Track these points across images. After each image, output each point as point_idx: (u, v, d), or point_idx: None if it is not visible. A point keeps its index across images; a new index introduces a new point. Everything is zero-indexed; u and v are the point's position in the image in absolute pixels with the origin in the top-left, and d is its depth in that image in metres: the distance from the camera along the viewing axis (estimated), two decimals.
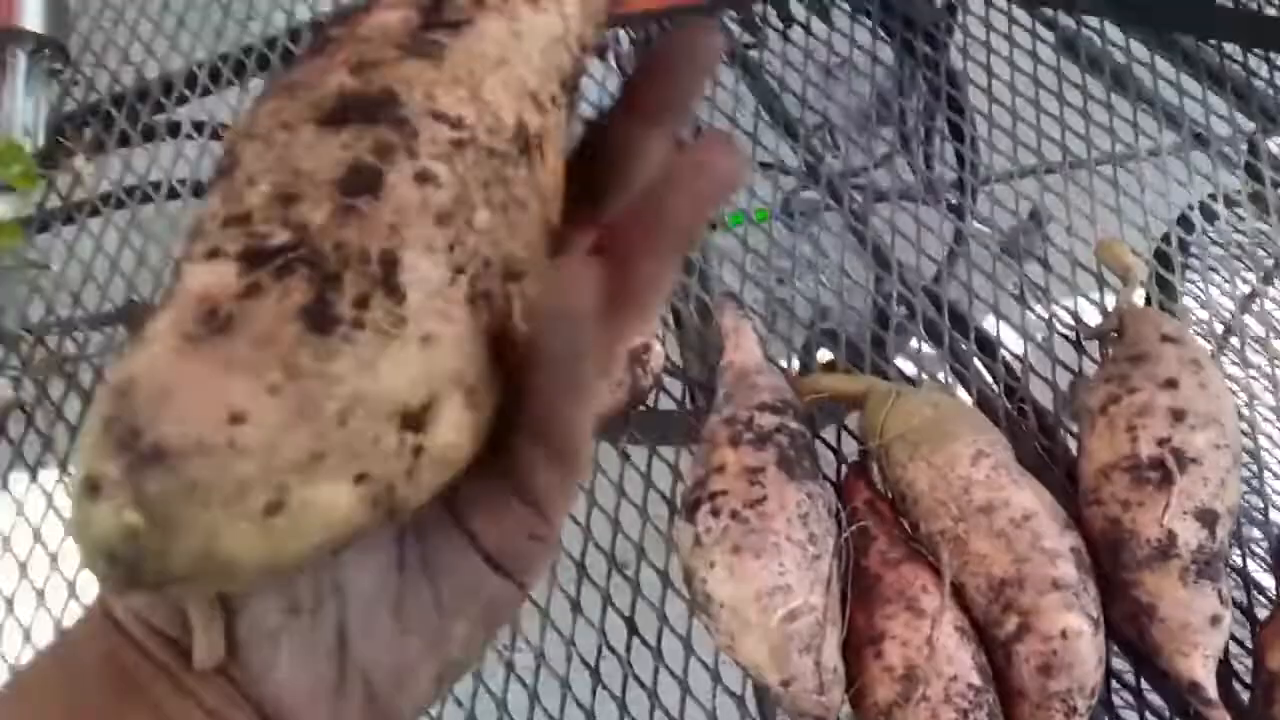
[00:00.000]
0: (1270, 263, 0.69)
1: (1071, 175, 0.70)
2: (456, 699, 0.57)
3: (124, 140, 0.77)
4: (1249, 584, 0.54)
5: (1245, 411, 0.60)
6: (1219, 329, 0.66)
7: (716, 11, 0.74)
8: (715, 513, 0.51)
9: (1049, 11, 0.77)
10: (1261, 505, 0.58)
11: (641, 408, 0.63)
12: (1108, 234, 0.66)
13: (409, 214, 0.22)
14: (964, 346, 0.64)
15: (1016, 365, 0.63)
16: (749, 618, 0.49)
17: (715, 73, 0.25)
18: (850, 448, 0.61)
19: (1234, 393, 0.58)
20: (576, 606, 0.58)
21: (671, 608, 0.57)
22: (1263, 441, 0.61)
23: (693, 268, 0.69)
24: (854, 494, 0.56)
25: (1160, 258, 0.67)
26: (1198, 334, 0.62)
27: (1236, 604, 0.53)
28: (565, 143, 0.27)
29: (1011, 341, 0.64)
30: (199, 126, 0.77)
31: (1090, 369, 0.62)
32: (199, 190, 0.74)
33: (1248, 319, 0.66)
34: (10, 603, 0.62)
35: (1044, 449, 0.59)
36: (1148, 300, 0.64)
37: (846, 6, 0.78)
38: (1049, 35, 0.76)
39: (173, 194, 0.74)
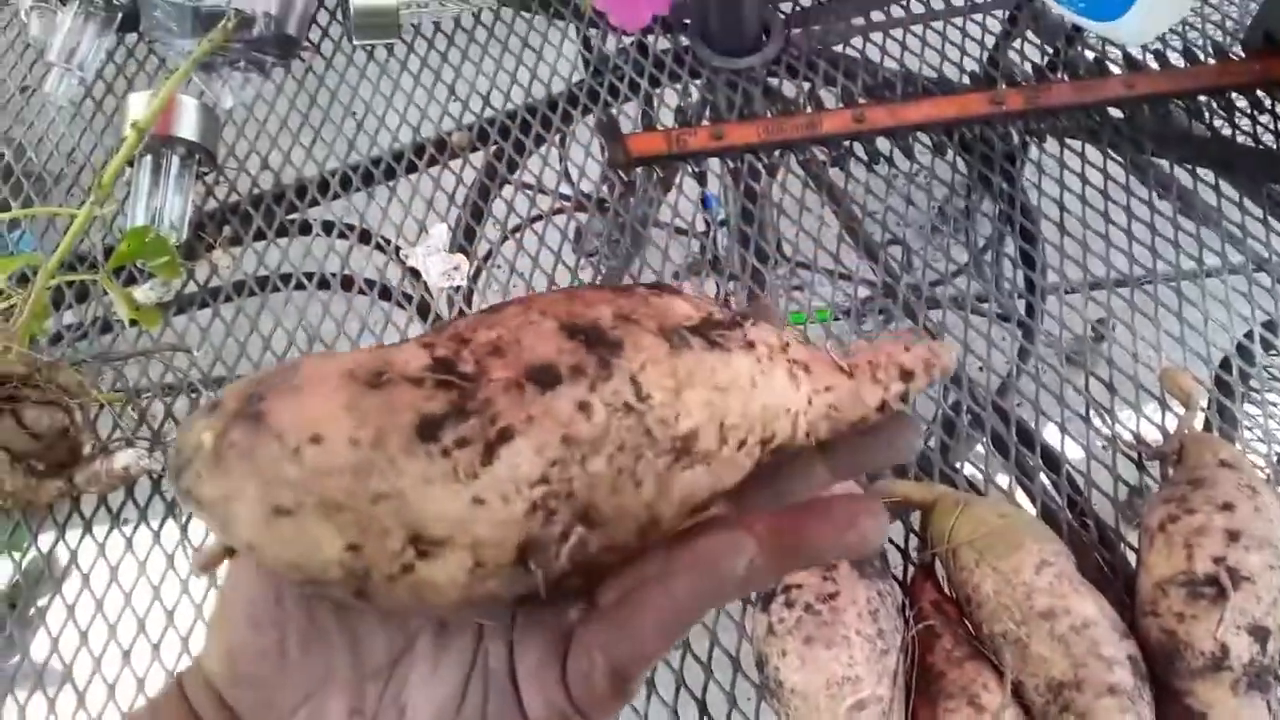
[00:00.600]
0: None
1: (1135, 301, 0.74)
2: None
3: (259, 236, 0.84)
4: None
5: None
6: (1276, 452, 0.68)
7: (808, 146, 0.80)
8: (790, 604, 0.55)
9: (1119, 151, 0.82)
10: None
11: None
12: (1170, 358, 0.70)
13: (547, 419, 0.26)
14: (1029, 460, 0.67)
15: (1079, 479, 0.66)
16: (818, 704, 0.52)
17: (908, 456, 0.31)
18: (916, 550, 0.64)
19: None
20: (652, 685, 0.61)
21: (740, 690, 0.60)
22: None
23: None
24: (921, 594, 0.59)
25: (1220, 385, 0.70)
26: (1254, 456, 0.65)
27: None
28: (723, 489, 0.29)
29: (1075, 455, 0.68)
30: (327, 226, 0.84)
31: (1151, 486, 0.65)
32: (323, 284, 0.81)
33: None
34: (128, 655, 0.67)
35: (1104, 561, 0.61)
36: (1207, 424, 0.67)
37: (928, 141, 0.83)
38: (1118, 171, 0.81)
39: (299, 285, 0.81)
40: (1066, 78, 0.82)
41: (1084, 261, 0.76)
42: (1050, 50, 0.91)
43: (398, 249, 0.82)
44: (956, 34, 0.92)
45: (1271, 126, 0.83)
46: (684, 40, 0.92)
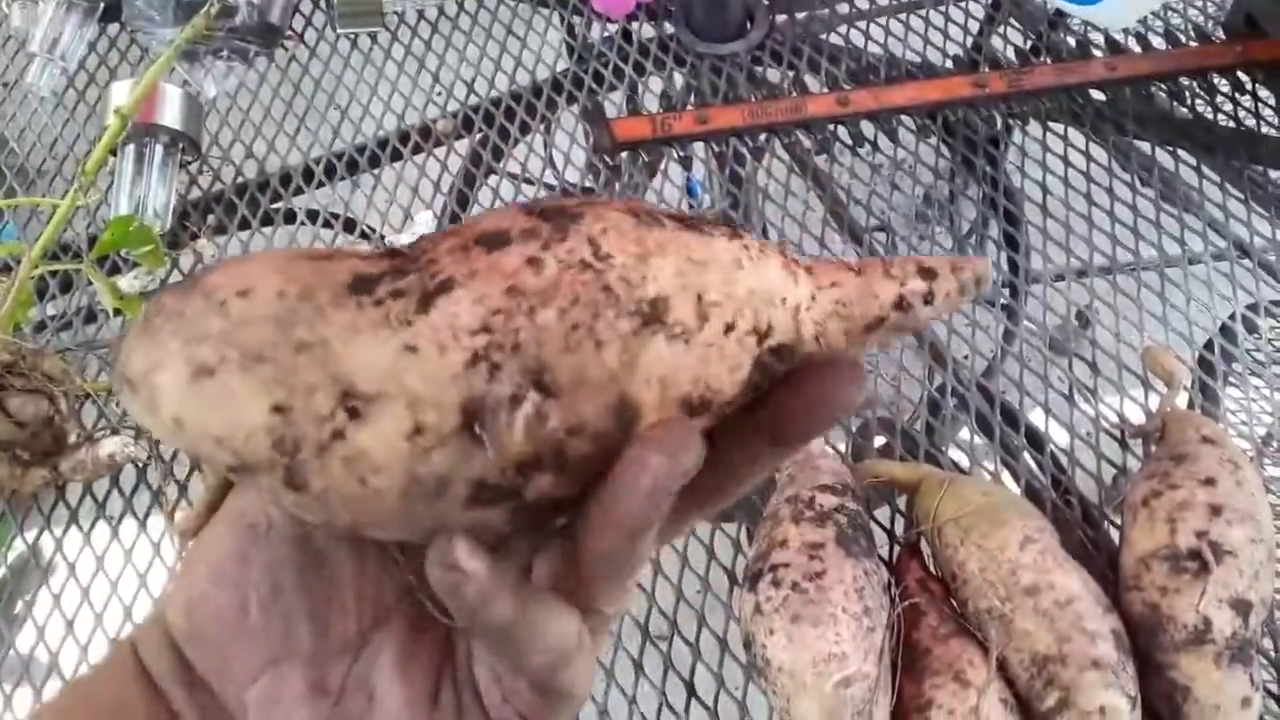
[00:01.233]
0: None
1: (1118, 283, 0.74)
2: None
3: (243, 225, 0.84)
4: None
5: None
6: (1259, 433, 0.69)
7: (793, 130, 0.81)
8: (776, 583, 0.55)
9: (1102, 134, 0.83)
10: None
11: None
12: (1154, 340, 0.70)
13: (493, 273, 0.23)
14: (1014, 440, 0.67)
15: (1063, 459, 0.67)
16: (805, 682, 0.52)
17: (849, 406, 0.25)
18: (901, 530, 0.64)
19: (1271, 494, 0.62)
20: (639, 667, 0.61)
21: (728, 671, 0.60)
22: None
23: None
24: (907, 573, 0.60)
25: (1203, 365, 0.71)
26: (1238, 437, 0.66)
27: (1268, 690, 0.55)
28: (721, 394, 0.25)
29: (1059, 436, 0.68)
30: (312, 215, 0.84)
31: (1134, 465, 0.65)
32: None
33: None
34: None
35: (1088, 538, 0.62)
36: (1190, 404, 0.68)
37: (911, 125, 0.84)
38: (1100, 153, 0.81)
39: None
40: (1049, 61, 0.83)
41: (1067, 245, 0.77)
42: (1033, 35, 0.91)
43: (383, 237, 0.82)
44: (940, 19, 0.92)
45: (1252, 108, 0.83)
46: (668, 27, 0.92)
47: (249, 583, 0.26)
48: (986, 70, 0.82)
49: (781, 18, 0.92)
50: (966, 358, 0.73)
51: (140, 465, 0.73)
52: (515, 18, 0.95)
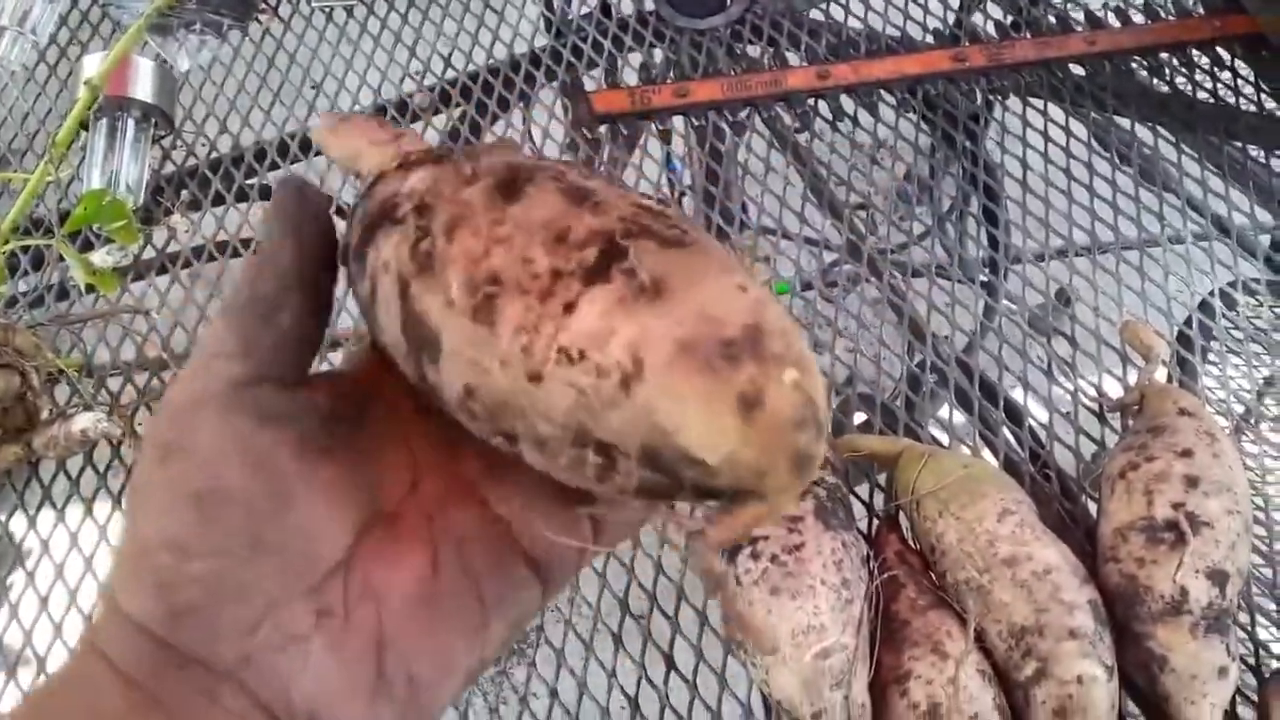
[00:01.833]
0: None
1: (1098, 260, 0.74)
2: None
3: (217, 200, 0.83)
4: (1256, 641, 0.57)
5: (1259, 485, 0.63)
6: (1237, 409, 0.69)
7: (773, 104, 0.80)
8: (755, 556, 0.55)
9: (1082, 109, 0.83)
10: (1271, 573, 0.60)
11: None
12: (1133, 315, 0.70)
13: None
14: (993, 415, 0.68)
15: (1042, 434, 0.67)
16: (784, 654, 0.52)
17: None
18: (880, 504, 0.64)
19: (1249, 468, 0.62)
20: (619, 641, 0.61)
21: (708, 645, 0.60)
22: (1276, 515, 0.64)
23: None
24: (885, 545, 0.60)
25: (1182, 340, 0.71)
26: (1216, 413, 0.66)
27: (1245, 662, 0.56)
28: None
29: (1038, 412, 0.68)
30: None
31: (1112, 440, 0.65)
32: None
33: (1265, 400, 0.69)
34: (90, 621, 0.66)
35: (1066, 511, 0.62)
36: (1169, 380, 0.68)
37: (892, 100, 0.83)
38: (1080, 130, 0.81)
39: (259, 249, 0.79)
40: (1029, 35, 0.83)
41: (1046, 222, 0.77)
42: (1013, 10, 0.91)
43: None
44: None
45: (1231, 83, 0.83)
46: (648, 2, 0.91)
47: (217, 545, 0.26)
48: (966, 44, 0.82)
49: None
50: (947, 336, 0.73)
51: (114, 442, 0.72)
52: None
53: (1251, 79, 0.83)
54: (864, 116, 0.82)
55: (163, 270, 0.80)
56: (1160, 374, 0.65)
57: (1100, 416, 0.67)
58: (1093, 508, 0.61)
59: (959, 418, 0.69)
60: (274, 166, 0.84)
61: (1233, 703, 0.54)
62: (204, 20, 0.87)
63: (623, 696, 0.59)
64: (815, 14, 0.90)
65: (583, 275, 0.24)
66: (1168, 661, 0.51)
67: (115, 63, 0.74)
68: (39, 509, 0.69)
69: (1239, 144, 0.80)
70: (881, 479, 0.65)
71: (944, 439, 0.69)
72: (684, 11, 0.89)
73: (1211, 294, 0.74)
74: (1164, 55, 0.83)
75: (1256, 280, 0.74)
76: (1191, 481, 0.55)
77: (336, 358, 0.72)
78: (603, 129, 0.80)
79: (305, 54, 0.90)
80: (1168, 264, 0.74)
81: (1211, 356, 0.72)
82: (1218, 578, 0.52)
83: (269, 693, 0.26)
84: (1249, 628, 0.58)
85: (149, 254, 0.81)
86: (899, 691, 0.52)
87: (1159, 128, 0.81)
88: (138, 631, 0.26)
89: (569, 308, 0.23)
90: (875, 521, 0.63)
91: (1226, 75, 0.83)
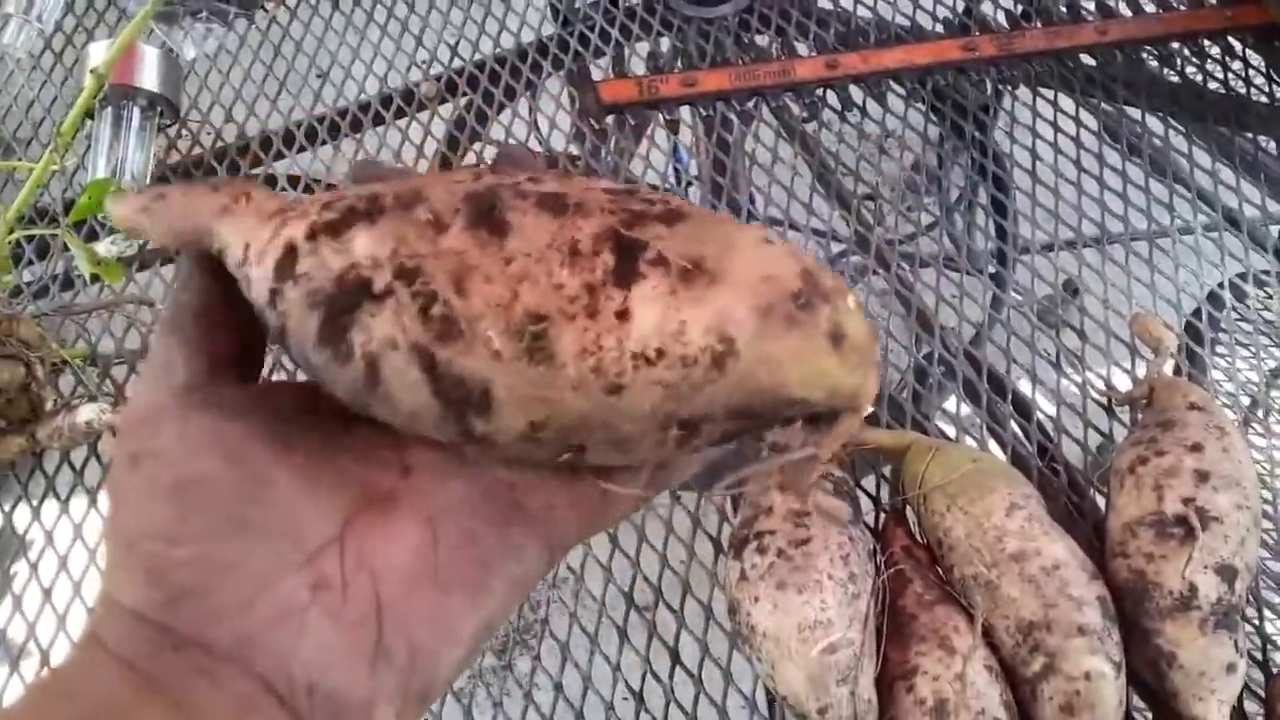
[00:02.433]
0: None
1: (1108, 251, 0.74)
2: (507, 716, 0.60)
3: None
4: (1264, 637, 0.57)
5: (1268, 479, 0.63)
6: (1245, 401, 0.69)
7: (781, 94, 0.80)
8: (762, 550, 0.54)
9: (1092, 100, 0.82)
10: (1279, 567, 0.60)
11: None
12: (1142, 307, 0.70)
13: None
14: (1000, 407, 0.67)
15: (1050, 427, 0.66)
16: (790, 648, 0.52)
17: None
18: (887, 498, 0.64)
19: (1257, 461, 0.61)
20: (624, 635, 0.61)
21: (713, 640, 0.60)
22: None
23: None
24: (892, 540, 0.59)
25: (1191, 332, 0.71)
26: (1225, 406, 0.65)
27: (1252, 657, 0.55)
28: None
29: (1046, 405, 0.68)
30: (293, 180, 0.83)
31: (1120, 433, 0.65)
32: None
33: (1273, 392, 0.69)
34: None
35: (1074, 505, 0.62)
36: (1177, 372, 0.67)
37: (901, 90, 0.83)
38: (1090, 120, 0.81)
39: None
40: (1039, 24, 0.82)
41: (1056, 213, 0.76)
42: (1024, 0, 0.90)
43: None
44: None
45: (1242, 73, 0.82)
46: None
47: (200, 529, 0.26)
48: (976, 34, 0.81)
49: None
50: (954, 328, 0.73)
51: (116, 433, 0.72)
52: None
53: (1263, 69, 0.83)
54: (873, 107, 0.82)
55: (168, 260, 0.80)
56: (1169, 367, 0.65)
57: (1109, 410, 0.66)
58: (1101, 502, 0.61)
59: (966, 410, 0.69)
60: (280, 156, 0.84)
61: (1240, 698, 0.54)
62: (210, 8, 0.87)
63: (627, 690, 0.59)
64: (824, 3, 0.90)
65: (614, 280, 0.24)
66: (1176, 658, 0.51)
67: (121, 51, 0.74)
68: (43, 500, 0.69)
69: (1250, 135, 0.80)
70: (888, 472, 0.65)
71: (951, 432, 0.68)
72: (692, 0, 0.88)
73: (1221, 286, 0.73)
74: (1175, 45, 0.82)
75: (1266, 272, 0.74)
76: (1201, 476, 0.54)
77: None
78: (609, 119, 0.80)
79: (312, 43, 0.90)
80: (1177, 256, 0.73)
81: (1220, 349, 0.72)
82: (1227, 573, 0.52)
83: (269, 668, 0.26)
84: (1257, 623, 0.58)
85: (153, 245, 0.80)
86: (905, 687, 0.52)
87: (1170, 118, 0.80)
88: (134, 618, 0.26)
89: (623, 315, 0.24)
90: (882, 516, 0.63)
91: (1238, 66, 0.83)
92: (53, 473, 0.70)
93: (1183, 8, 0.82)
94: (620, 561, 0.64)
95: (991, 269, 0.77)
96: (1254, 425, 0.67)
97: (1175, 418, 0.58)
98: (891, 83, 0.81)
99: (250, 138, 0.84)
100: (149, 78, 0.81)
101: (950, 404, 0.71)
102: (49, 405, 0.68)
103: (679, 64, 0.88)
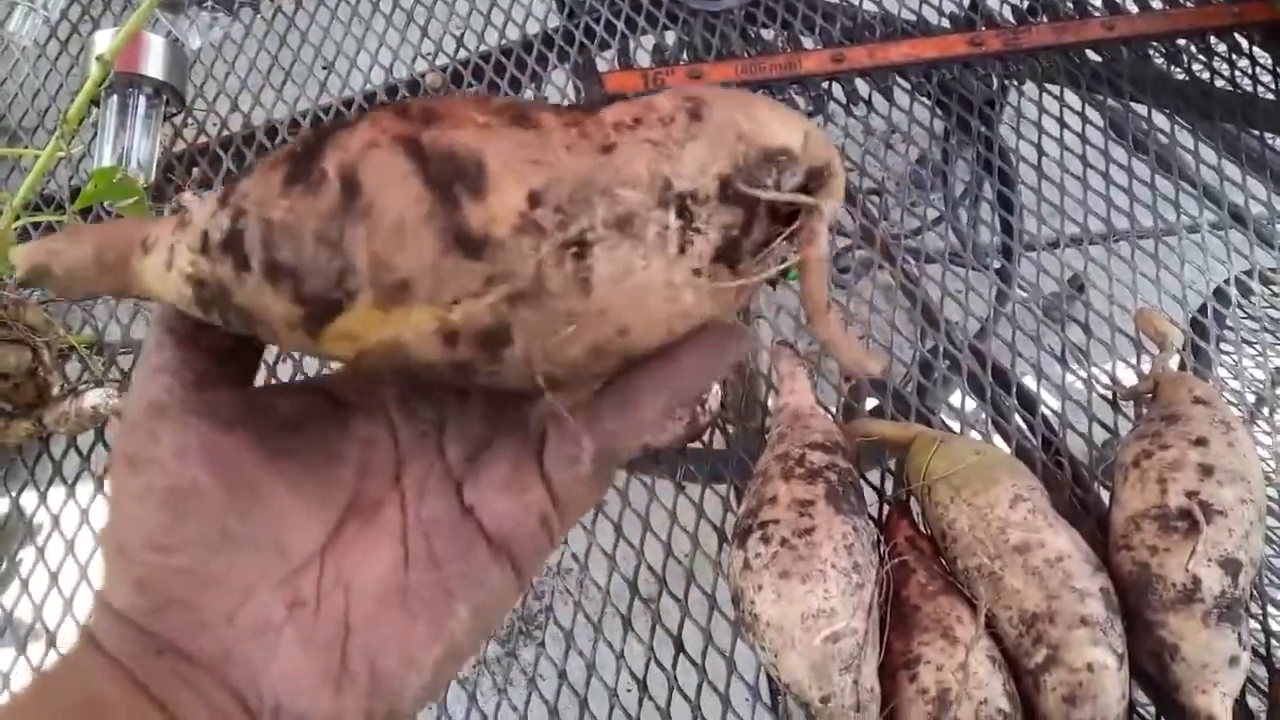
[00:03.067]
0: None
1: (1114, 248, 0.74)
2: (511, 703, 0.60)
3: (229, 178, 0.82)
4: (1268, 631, 0.57)
5: (1274, 476, 0.63)
6: (1251, 398, 0.69)
7: (787, 87, 0.80)
8: (766, 540, 0.55)
9: (1098, 96, 0.82)
10: None
11: (698, 445, 0.67)
12: (1147, 303, 0.70)
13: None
14: (1005, 401, 0.67)
15: (1055, 421, 0.66)
16: (793, 637, 0.52)
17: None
18: (891, 489, 0.64)
19: (1263, 458, 0.62)
20: (628, 624, 0.61)
21: (716, 628, 0.60)
22: None
23: (750, 318, 0.73)
24: (896, 531, 0.60)
25: (1196, 328, 0.71)
26: (1231, 402, 0.65)
27: (1257, 653, 0.55)
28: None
29: (1051, 399, 0.68)
30: None
31: (1125, 428, 0.65)
32: None
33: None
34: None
35: (1078, 499, 0.62)
36: (1183, 368, 0.67)
37: (906, 85, 0.83)
38: (1096, 117, 0.81)
39: None
40: (1046, 20, 0.82)
41: (1061, 209, 0.76)
42: None
43: None
44: None
45: (1249, 70, 0.82)
46: None
47: (190, 539, 0.27)
48: (983, 29, 0.81)
49: None
50: (959, 323, 0.73)
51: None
52: None
53: (1270, 66, 0.83)
54: (878, 101, 0.82)
55: None
56: (1174, 362, 0.65)
57: (1114, 404, 0.66)
58: (1105, 496, 0.61)
59: (971, 404, 0.69)
60: (284, 144, 0.84)
61: (1243, 693, 0.54)
62: None
63: (631, 679, 0.60)
64: None
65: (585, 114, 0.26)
66: (1179, 650, 0.51)
67: (127, 39, 0.74)
68: (49, 485, 0.70)
69: (1257, 132, 0.80)
70: (893, 464, 0.65)
71: (956, 426, 0.68)
72: None
73: (1227, 282, 0.73)
74: (1182, 42, 0.82)
75: (1273, 269, 0.74)
76: (1206, 470, 0.54)
77: None
78: None
79: (318, 32, 0.90)
80: (1183, 252, 0.73)
81: (1226, 346, 0.72)
82: (1231, 566, 0.52)
83: (242, 682, 0.27)
84: (1261, 618, 0.58)
85: None
86: (908, 676, 0.52)
87: (1176, 115, 0.80)
88: (123, 621, 0.27)
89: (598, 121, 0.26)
90: (886, 507, 0.63)
91: (1245, 63, 0.83)
92: (59, 457, 0.70)
93: (1190, 4, 0.82)
94: (624, 550, 0.64)
95: (997, 264, 0.77)
96: (1260, 422, 0.67)
97: (1180, 412, 0.58)
98: (897, 77, 0.81)
99: (256, 127, 0.84)
100: (154, 66, 0.81)
101: (955, 399, 0.71)
102: (55, 390, 0.68)
103: (684, 57, 0.88)
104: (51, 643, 0.64)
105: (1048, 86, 0.82)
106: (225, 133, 0.85)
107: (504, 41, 0.88)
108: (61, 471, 0.70)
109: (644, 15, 0.89)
